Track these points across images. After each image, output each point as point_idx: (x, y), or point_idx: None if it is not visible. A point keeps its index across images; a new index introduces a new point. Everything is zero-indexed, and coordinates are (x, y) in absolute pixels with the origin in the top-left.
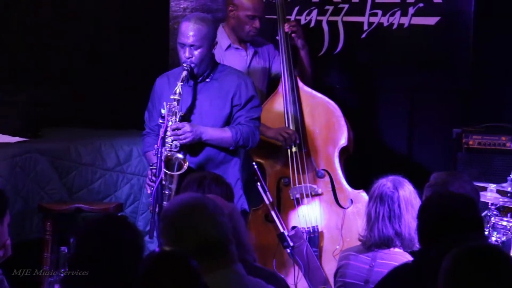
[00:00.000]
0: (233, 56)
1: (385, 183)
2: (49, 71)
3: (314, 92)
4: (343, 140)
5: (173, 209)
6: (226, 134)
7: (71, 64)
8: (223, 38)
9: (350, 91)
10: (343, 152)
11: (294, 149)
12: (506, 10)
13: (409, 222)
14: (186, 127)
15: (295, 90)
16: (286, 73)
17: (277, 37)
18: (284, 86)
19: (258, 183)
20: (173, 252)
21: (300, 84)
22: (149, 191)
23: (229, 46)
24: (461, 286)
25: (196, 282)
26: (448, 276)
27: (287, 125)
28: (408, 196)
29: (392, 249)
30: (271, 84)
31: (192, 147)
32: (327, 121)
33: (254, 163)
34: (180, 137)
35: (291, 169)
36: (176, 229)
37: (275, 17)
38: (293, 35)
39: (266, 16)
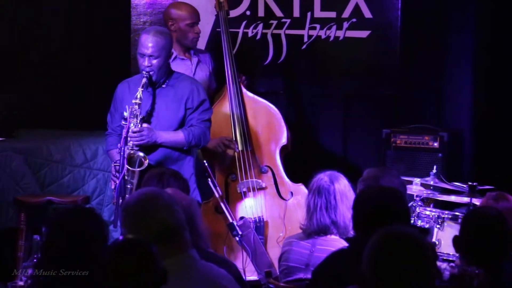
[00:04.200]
0: (179, 66)
1: (323, 177)
2: (22, 78)
3: (256, 97)
4: (283, 140)
5: (132, 201)
6: (179, 136)
7: (42, 72)
8: None
9: (292, 96)
10: (283, 150)
11: (240, 147)
12: (428, 25)
13: (344, 212)
14: (144, 131)
15: (239, 95)
16: (231, 80)
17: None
18: (229, 91)
19: (209, 179)
20: (135, 239)
21: (244, 90)
22: (113, 186)
23: (175, 57)
24: (380, 264)
25: (156, 266)
26: (370, 254)
27: (232, 126)
28: (343, 189)
29: (329, 236)
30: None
31: (151, 147)
32: (268, 123)
33: (205, 161)
34: (137, 138)
35: (238, 166)
36: (136, 218)
37: (219, 29)
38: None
39: (217, 29)
